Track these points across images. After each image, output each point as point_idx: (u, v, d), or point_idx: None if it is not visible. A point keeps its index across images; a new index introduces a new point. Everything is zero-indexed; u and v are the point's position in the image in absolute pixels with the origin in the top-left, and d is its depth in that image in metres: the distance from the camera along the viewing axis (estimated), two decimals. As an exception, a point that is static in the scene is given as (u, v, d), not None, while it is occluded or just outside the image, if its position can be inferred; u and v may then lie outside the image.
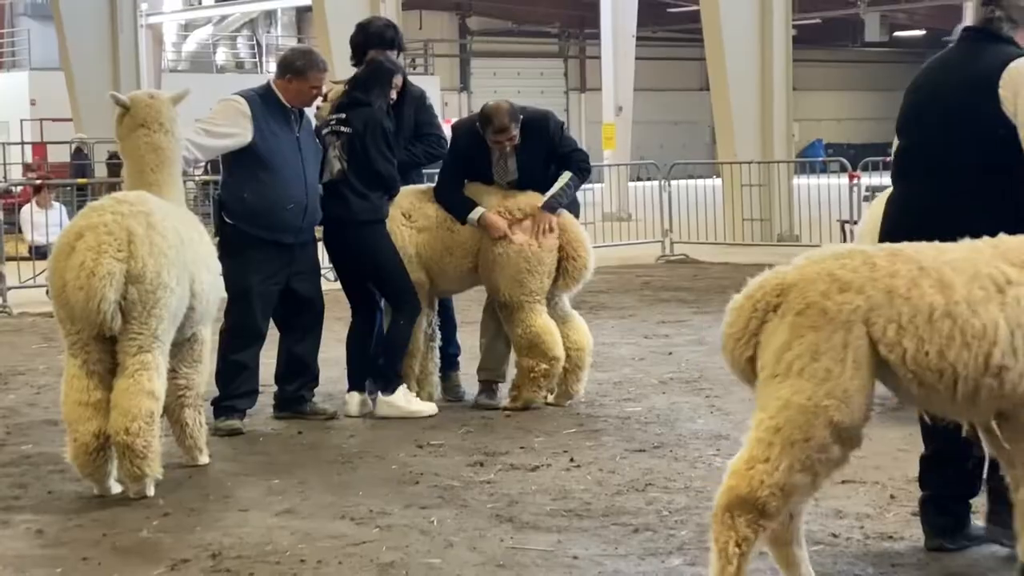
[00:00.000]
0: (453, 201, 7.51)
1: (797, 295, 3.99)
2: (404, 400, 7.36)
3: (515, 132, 7.39)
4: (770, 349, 3.99)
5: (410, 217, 7.54)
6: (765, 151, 18.48)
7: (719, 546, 3.99)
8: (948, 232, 4.29)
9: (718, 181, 19.17)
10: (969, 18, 5.08)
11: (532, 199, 7.48)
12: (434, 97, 14.22)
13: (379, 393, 7.41)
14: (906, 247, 4.17)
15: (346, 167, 7.32)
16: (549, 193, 7.46)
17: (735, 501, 3.96)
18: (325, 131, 7.44)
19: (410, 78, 7.82)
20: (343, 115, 7.38)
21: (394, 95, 7.48)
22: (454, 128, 8.01)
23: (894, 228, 4.82)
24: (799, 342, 3.94)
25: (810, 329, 3.94)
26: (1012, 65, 4.63)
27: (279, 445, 6.84)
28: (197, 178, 17.77)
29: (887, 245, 4.26)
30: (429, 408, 7.43)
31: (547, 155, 7.55)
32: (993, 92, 4.60)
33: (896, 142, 5.03)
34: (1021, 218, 4.49)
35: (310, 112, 7.56)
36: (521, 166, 7.53)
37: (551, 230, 7.41)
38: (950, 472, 4.77)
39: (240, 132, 7.07)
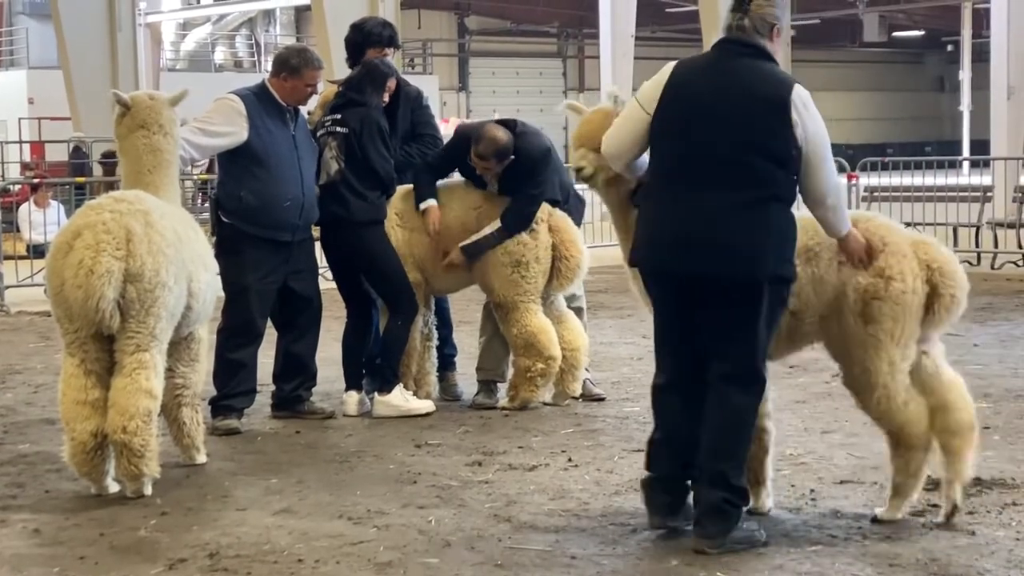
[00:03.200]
0: (419, 184, 7.55)
1: None
2: (401, 399, 7.36)
3: (495, 167, 7.38)
4: None
5: (404, 217, 7.55)
6: (764, 151, 18.46)
7: None
8: (727, 236, 4.71)
9: (717, 181, 19.11)
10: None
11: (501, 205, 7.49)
12: (433, 97, 14.26)
13: (376, 392, 7.41)
14: None
15: (344, 167, 7.32)
16: (473, 238, 7.44)
17: None
18: (320, 132, 7.43)
19: (409, 77, 7.82)
20: (338, 115, 7.37)
21: (386, 98, 7.47)
22: (459, 129, 8.00)
23: (663, 233, 4.88)
24: None
25: None
26: (797, 91, 4.81)
27: (277, 444, 6.84)
28: (196, 176, 17.78)
29: None
30: (427, 407, 7.43)
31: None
32: (787, 115, 4.76)
33: (625, 120, 5.02)
34: (780, 229, 4.78)
35: (304, 111, 7.56)
36: (502, 187, 7.52)
37: (454, 266, 7.48)
38: (679, 455, 5.00)
39: (235, 131, 7.06)
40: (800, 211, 5.03)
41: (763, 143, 4.78)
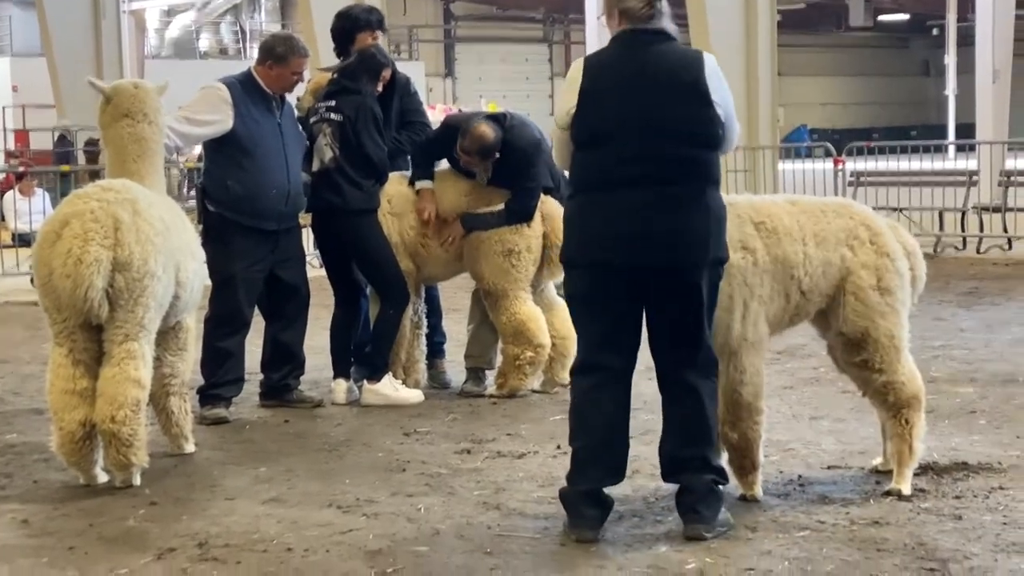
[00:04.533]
0: (417, 165, 7.60)
1: None
2: (390, 388, 7.37)
3: (478, 163, 7.40)
4: None
5: (395, 205, 7.54)
6: (750, 137, 18.48)
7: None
8: (668, 229, 4.71)
9: (703, 166, 19.11)
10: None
11: (497, 196, 7.48)
12: (419, 83, 14.22)
13: (365, 381, 7.41)
14: None
15: (338, 155, 7.30)
16: (475, 211, 7.46)
17: None
18: (313, 119, 7.42)
19: (395, 65, 7.78)
20: (332, 102, 7.36)
21: (380, 87, 7.47)
22: (448, 119, 7.99)
23: (601, 228, 4.77)
24: None
25: None
26: (708, 64, 4.81)
27: (265, 433, 6.84)
28: (182, 165, 17.73)
29: None
30: (415, 396, 7.44)
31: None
32: (707, 94, 4.77)
33: (560, 147, 4.94)
34: (717, 214, 4.80)
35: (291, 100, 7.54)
36: (493, 179, 7.52)
37: (452, 244, 7.47)
38: (607, 463, 4.90)
39: (221, 119, 7.06)
40: (802, 196, 5.22)
41: (691, 131, 4.77)
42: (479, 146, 7.35)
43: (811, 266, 5.27)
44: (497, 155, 7.38)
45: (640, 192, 4.76)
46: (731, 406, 5.17)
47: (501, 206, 7.45)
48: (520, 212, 7.45)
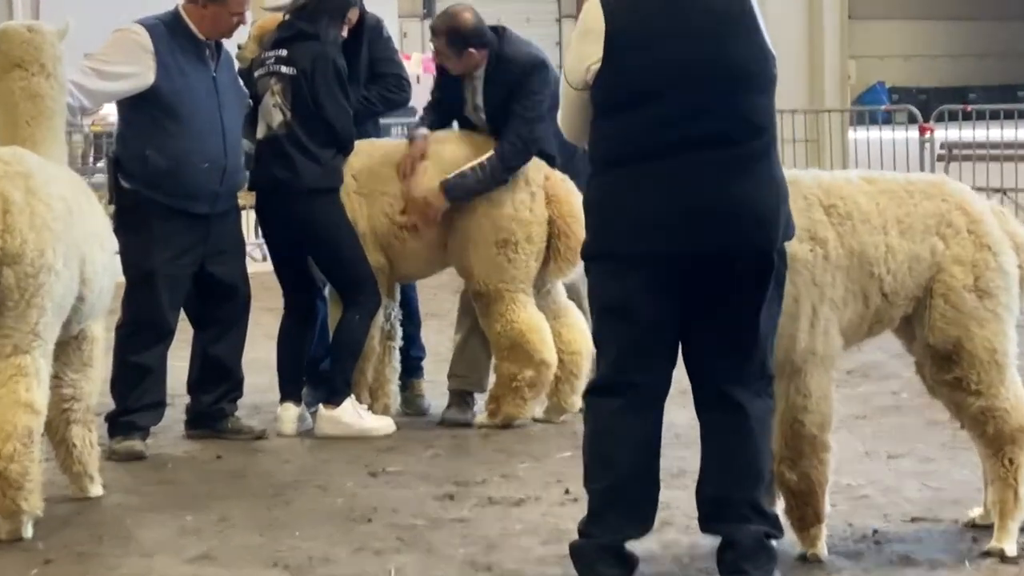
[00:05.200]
0: (426, 116, 7.73)
1: None
2: (353, 415, 7.39)
3: (446, 51, 7.47)
4: None
5: (360, 182, 7.55)
6: (814, 97, 18.53)
7: None
8: (734, 201, 4.73)
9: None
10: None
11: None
12: (391, 26, 14.17)
13: (321, 406, 7.43)
14: None
15: (290, 118, 7.32)
16: (457, 172, 7.48)
17: None
18: (259, 72, 7.44)
19: (363, 4, 7.80)
20: (284, 51, 7.38)
21: (345, 32, 7.49)
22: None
23: (646, 211, 4.77)
24: None
25: None
26: None
27: (193, 472, 6.86)
28: (88, 129, 17.73)
29: None
30: (385, 425, 7.46)
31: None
32: (752, 17, 4.79)
33: (574, 112, 4.95)
34: (781, 181, 4.84)
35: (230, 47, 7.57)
36: (487, 103, 7.57)
37: (431, 222, 7.50)
38: (633, 509, 4.91)
39: (139, 71, 7.09)
40: (881, 173, 5.33)
41: (749, 72, 4.80)
42: (449, 25, 7.42)
43: (895, 261, 5.28)
44: (473, 50, 7.42)
45: (694, 159, 4.75)
46: (791, 439, 5.17)
47: (489, 153, 7.45)
48: (514, 152, 7.44)
